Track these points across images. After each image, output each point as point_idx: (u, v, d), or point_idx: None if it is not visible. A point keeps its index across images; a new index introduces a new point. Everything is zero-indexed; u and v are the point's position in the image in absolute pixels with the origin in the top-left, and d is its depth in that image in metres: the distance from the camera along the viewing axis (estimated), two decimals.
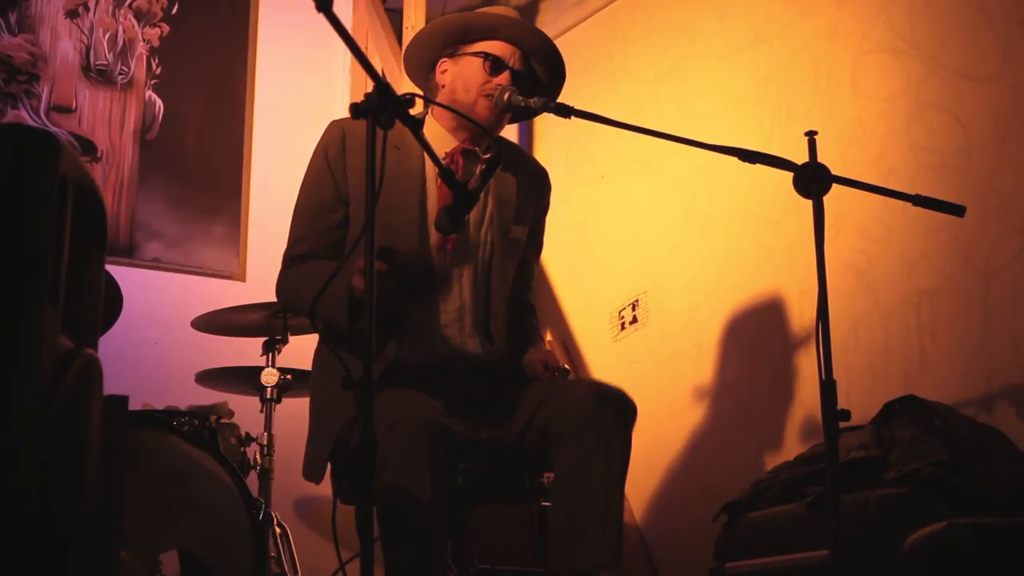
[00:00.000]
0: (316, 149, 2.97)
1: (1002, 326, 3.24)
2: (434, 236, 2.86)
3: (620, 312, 4.55)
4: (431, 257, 2.87)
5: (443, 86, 3.00)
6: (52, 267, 1.48)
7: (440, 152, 2.87)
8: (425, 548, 2.53)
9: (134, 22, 5.05)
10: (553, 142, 5.08)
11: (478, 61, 2.93)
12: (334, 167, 2.91)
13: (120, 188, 4.88)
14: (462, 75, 2.95)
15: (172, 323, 4.53)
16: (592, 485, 2.64)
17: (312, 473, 2.83)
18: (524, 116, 3.10)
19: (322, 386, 2.90)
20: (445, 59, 3.01)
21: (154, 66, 5.06)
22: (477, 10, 3.04)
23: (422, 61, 3.06)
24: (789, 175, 2.53)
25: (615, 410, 2.71)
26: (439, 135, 2.97)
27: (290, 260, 2.92)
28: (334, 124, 2.97)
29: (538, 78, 3.00)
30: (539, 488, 2.98)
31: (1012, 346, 3.21)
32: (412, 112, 2.31)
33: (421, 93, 3.04)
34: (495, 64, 2.92)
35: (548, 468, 2.89)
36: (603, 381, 2.87)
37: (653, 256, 4.44)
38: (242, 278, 5.01)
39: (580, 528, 2.63)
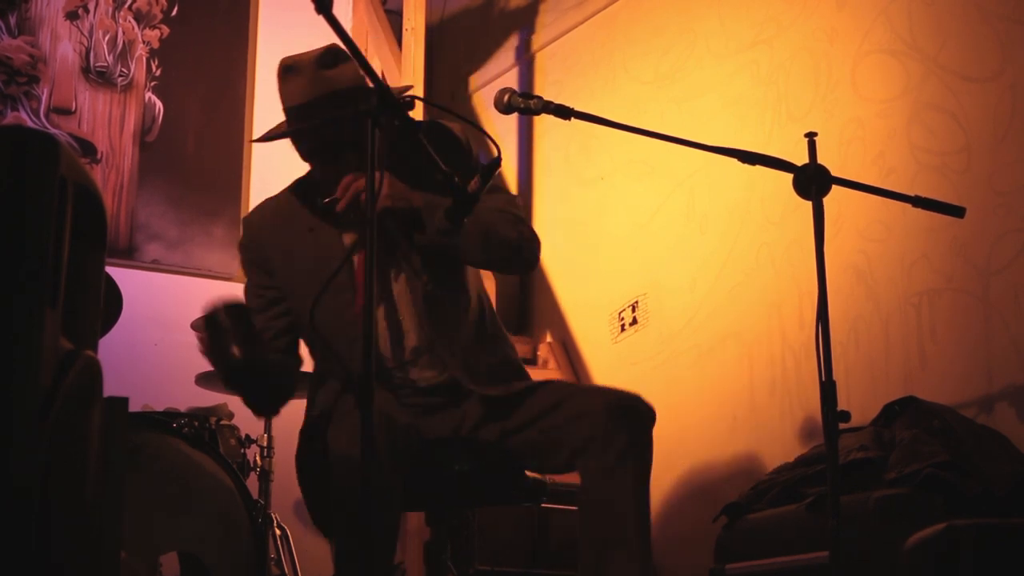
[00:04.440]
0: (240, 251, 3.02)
1: (1002, 327, 3.24)
2: (359, 300, 2.77)
3: (620, 313, 4.55)
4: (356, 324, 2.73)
5: None
6: (52, 269, 1.48)
7: None
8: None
9: (134, 24, 5.05)
10: (553, 143, 5.09)
11: None
12: (259, 266, 2.95)
13: (120, 190, 4.88)
14: None
15: (172, 324, 4.53)
16: (620, 499, 2.63)
17: None
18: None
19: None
20: None
21: (154, 68, 5.06)
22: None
23: None
24: (789, 176, 2.53)
25: (635, 421, 2.69)
26: None
27: None
28: (244, 219, 3.04)
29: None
30: (538, 489, 2.97)
31: (1012, 347, 3.21)
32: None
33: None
34: None
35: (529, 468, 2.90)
36: (617, 388, 2.82)
37: (653, 257, 4.44)
38: (242, 280, 5.00)
39: (613, 543, 2.63)
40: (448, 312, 2.81)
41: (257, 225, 2.95)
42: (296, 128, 2.73)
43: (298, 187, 2.92)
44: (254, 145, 5.18)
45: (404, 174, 2.71)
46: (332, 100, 2.68)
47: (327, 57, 2.72)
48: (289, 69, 2.73)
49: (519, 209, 2.85)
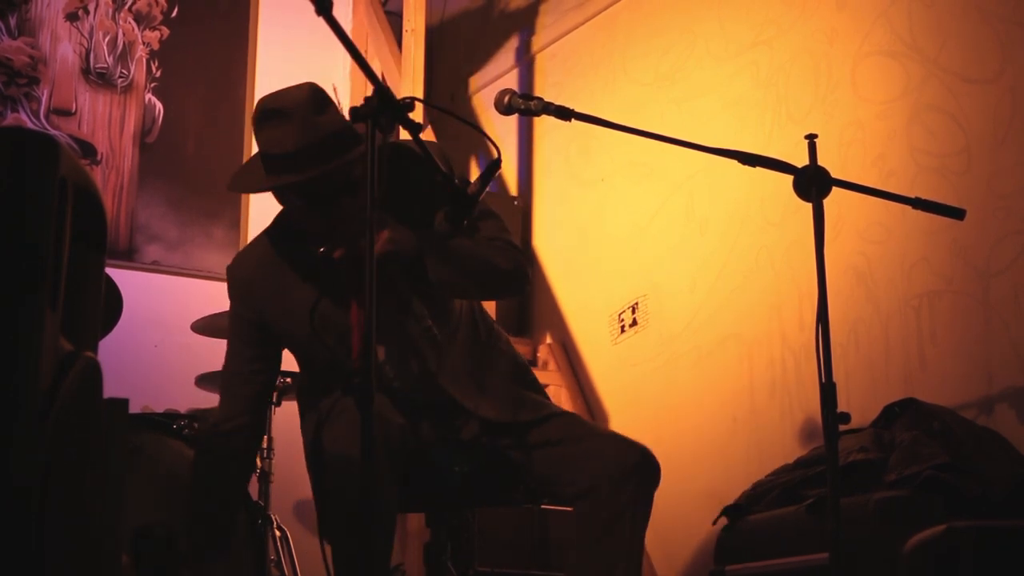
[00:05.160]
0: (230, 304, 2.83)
1: (1002, 328, 3.24)
2: (355, 346, 2.70)
3: (620, 315, 4.55)
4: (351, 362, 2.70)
5: None
6: (52, 270, 1.48)
7: None
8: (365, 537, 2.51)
9: (134, 25, 5.06)
10: (553, 145, 5.09)
11: None
12: (250, 321, 2.78)
13: (120, 191, 4.88)
14: None
15: (172, 326, 4.53)
16: (617, 549, 2.64)
17: None
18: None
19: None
20: None
21: (154, 69, 5.06)
22: None
23: None
24: (789, 178, 2.53)
25: (642, 478, 2.68)
26: None
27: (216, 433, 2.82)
28: (228, 272, 2.83)
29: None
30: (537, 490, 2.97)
31: (1012, 349, 3.21)
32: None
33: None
34: None
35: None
36: (624, 437, 2.78)
37: (653, 259, 4.44)
38: None
39: None
40: (444, 337, 2.77)
41: (245, 280, 2.77)
42: (285, 183, 2.58)
43: (279, 234, 2.76)
44: (254, 147, 5.17)
45: (402, 182, 2.70)
46: (322, 147, 2.53)
47: (316, 102, 2.58)
48: (275, 114, 2.57)
49: (509, 233, 2.79)
